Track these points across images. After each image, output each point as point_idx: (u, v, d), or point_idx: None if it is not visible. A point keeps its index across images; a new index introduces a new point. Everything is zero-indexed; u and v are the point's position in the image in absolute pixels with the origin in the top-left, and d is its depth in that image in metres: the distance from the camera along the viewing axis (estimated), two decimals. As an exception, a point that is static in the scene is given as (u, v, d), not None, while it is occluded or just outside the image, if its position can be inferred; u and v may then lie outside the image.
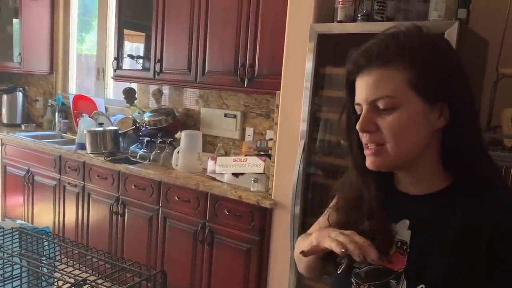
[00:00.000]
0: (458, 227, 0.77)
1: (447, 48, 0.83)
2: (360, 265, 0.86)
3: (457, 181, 0.82)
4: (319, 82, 2.16)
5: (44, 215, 3.63)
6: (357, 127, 0.82)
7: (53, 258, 0.97)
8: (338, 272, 0.90)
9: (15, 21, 4.27)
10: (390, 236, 0.83)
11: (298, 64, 2.18)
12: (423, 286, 0.77)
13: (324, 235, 0.83)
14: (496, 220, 0.74)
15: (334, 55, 2.16)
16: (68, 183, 3.42)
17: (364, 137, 0.83)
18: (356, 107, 0.84)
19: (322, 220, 1.03)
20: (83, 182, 3.31)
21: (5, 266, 0.97)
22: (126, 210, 3.06)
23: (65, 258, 0.97)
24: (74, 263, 0.95)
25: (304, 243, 0.92)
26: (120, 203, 3.07)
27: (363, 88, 0.81)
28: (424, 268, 0.78)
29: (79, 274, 0.86)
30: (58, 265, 0.95)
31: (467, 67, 0.84)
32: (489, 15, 2.05)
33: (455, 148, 0.80)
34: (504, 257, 0.72)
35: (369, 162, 0.83)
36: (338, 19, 2.06)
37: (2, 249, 0.93)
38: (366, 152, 0.83)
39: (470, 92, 0.82)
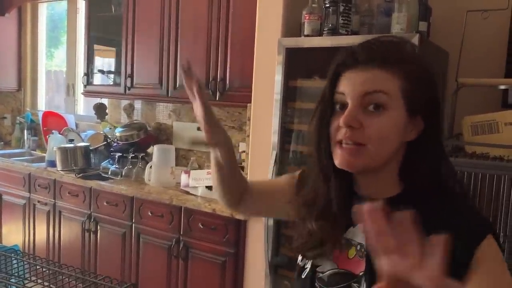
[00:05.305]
0: None
1: (433, 70, 0.86)
2: (323, 269, 0.88)
3: (406, 189, 0.84)
4: (289, 94, 2.20)
5: (13, 235, 3.53)
6: (341, 120, 0.79)
7: (23, 276, 0.96)
8: (303, 277, 0.92)
9: (-19, 38, 4.19)
10: (338, 241, 0.85)
11: (268, 77, 2.22)
12: None
13: None
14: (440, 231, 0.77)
15: (303, 67, 2.21)
16: (38, 202, 3.34)
17: (343, 134, 0.80)
18: (339, 96, 0.82)
19: (284, 179, 1.09)
20: (53, 200, 3.24)
21: (-28, 287, 0.95)
22: (98, 227, 3.01)
23: (35, 276, 0.96)
24: (44, 281, 0.94)
25: None
26: (92, 220, 3.03)
27: (356, 81, 0.80)
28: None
29: (49, 291, 0.85)
30: (27, 283, 0.94)
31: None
32: (448, 27, 2.14)
33: (417, 160, 0.82)
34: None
35: (342, 160, 0.81)
36: (305, 33, 2.12)
37: (-31, 269, 0.92)
38: (339, 150, 0.81)
39: (442, 109, 0.87)
